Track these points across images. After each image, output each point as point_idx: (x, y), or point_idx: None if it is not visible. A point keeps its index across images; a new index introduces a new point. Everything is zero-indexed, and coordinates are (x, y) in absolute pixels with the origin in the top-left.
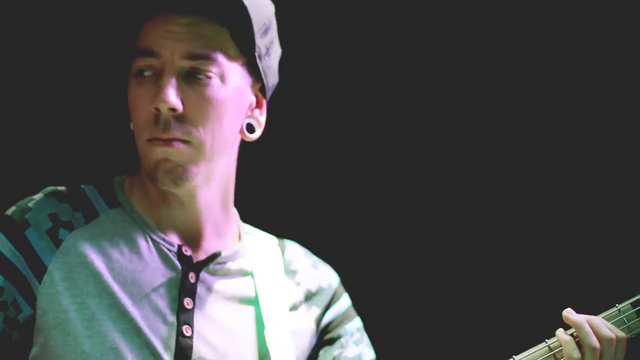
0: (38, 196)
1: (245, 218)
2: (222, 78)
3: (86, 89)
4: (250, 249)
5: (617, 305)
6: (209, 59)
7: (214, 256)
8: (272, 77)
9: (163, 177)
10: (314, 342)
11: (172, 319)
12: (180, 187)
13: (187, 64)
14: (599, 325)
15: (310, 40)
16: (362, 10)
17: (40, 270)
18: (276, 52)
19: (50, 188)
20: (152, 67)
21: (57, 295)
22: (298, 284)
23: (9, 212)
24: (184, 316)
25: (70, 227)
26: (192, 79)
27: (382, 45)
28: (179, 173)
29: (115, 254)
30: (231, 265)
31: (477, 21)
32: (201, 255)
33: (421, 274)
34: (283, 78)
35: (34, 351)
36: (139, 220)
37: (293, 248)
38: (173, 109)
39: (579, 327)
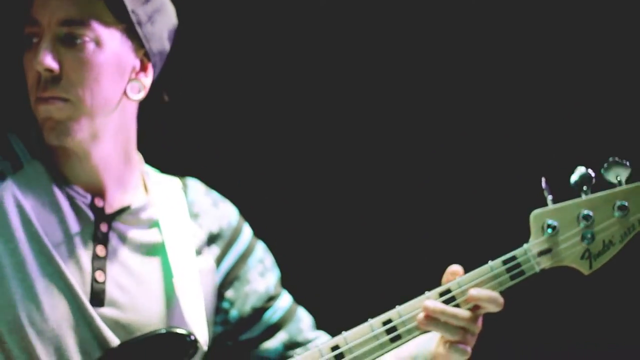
0: None
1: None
2: (98, 42)
3: None
4: (158, 198)
5: (489, 261)
6: (83, 24)
7: (125, 208)
8: (156, 43)
9: (48, 135)
10: (217, 280)
11: (87, 265)
12: (65, 143)
13: (63, 29)
14: (476, 292)
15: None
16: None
17: None
18: (163, 21)
19: None
20: (36, 34)
21: None
22: (201, 226)
23: None
24: (97, 263)
25: (1, 177)
26: (69, 43)
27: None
28: (61, 129)
29: (39, 204)
30: (142, 215)
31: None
32: (112, 208)
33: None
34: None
35: None
36: (56, 173)
37: (194, 187)
38: (50, 70)
39: (442, 313)
